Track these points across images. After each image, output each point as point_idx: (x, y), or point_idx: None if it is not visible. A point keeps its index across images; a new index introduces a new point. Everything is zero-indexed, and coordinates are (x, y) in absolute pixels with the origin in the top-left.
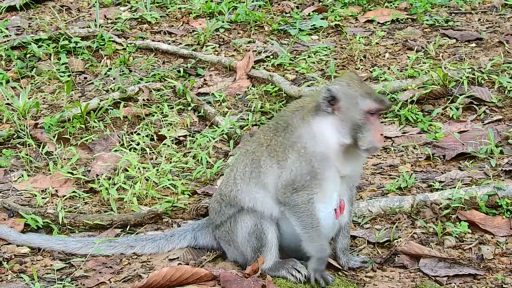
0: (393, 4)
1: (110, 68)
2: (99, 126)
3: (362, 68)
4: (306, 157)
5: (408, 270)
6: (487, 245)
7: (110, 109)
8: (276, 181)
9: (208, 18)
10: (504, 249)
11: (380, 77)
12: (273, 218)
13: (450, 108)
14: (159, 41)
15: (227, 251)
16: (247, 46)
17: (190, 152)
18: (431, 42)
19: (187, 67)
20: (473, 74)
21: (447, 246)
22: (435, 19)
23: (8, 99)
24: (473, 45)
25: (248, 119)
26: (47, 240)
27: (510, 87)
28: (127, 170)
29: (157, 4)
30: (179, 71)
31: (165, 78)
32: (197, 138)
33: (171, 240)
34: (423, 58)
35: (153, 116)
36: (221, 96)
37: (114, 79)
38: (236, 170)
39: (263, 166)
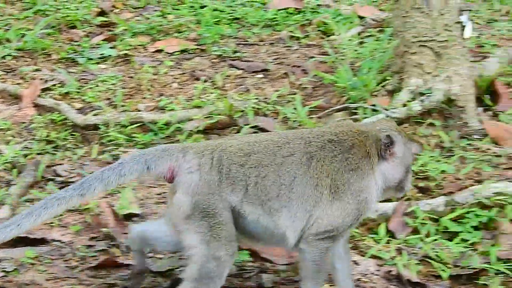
0: (183, 34)
1: None
2: None
3: (149, 98)
4: (360, 209)
5: None
6: (267, 273)
7: None
8: (322, 221)
9: None
10: (283, 277)
11: (167, 107)
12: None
13: (235, 138)
14: None
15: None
16: (34, 74)
17: None
18: (218, 72)
19: None
20: (259, 105)
21: (228, 275)
22: (224, 49)
23: None
24: (260, 76)
25: (32, 148)
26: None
27: (294, 118)
28: None
29: None
30: None
31: None
32: None
33: (121, 172)
34: (210, 88)
35: None
36: (6, 124)
37: None
38: (292, 178)
39: (323, 200)
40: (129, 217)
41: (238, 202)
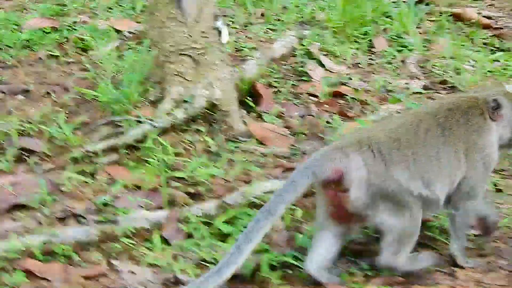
0: None
1: None
2: None
3: None
4: (486, 163)
5: None
6: None
7: None
8: (464, 183)
9: None
10: None
11: None
12: None
13: (1, 161)
14: None
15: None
16: None
17: None
18: None
19: None
20: (23, 126)
21: None
22: None
23: None
24: (21, 97)
25: None
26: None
27: (60, 137)
28: None
29: None
30: None
31: None
32: None
33: (297, 189)
34: None
35: None
36: None
37: None
38: (437, 150)
39: (461, 164)
40: None
41: (406, 180)
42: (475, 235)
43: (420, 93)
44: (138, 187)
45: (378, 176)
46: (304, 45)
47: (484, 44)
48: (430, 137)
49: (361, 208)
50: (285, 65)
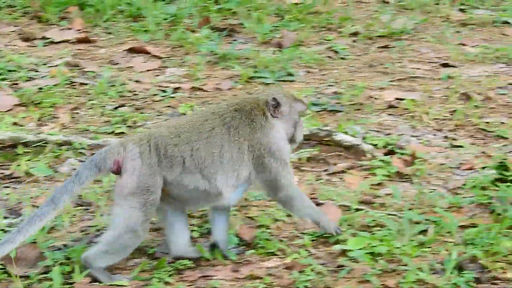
0: None
1: None
2: None
3: None
4: (280, 155)
5: None
6: None
7: None
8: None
9: None
10: None
11: None
12: None
13: None
14: None
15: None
16: None
17: None
18: None
19: None
20: None
21: None
22: None
23: None
24: None
25: None
26: None
27: None
28: None
29: None
30: None
31: None
32: None
33: (80, 181)
34: None
35: None
36: None
37: None
38: (220, 147)
39: (245, 159)
40: None
41: (178, 175)
42: None
43: None
44: None
45: (150, 168)
46: None
47: None
48: (214, 135)
49: (123, 195)
50: None
